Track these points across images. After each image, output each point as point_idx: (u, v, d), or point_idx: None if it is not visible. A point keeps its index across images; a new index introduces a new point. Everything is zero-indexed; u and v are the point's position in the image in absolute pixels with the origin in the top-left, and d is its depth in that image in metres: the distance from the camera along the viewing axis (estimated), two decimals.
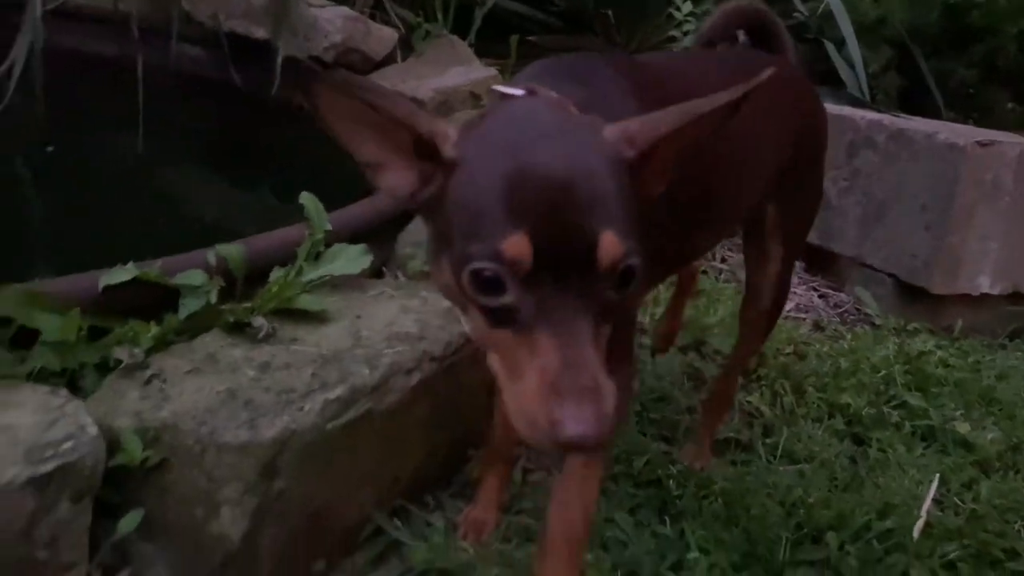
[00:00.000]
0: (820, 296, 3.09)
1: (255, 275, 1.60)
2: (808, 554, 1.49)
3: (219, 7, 3.25)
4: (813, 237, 3.19)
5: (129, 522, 1.17)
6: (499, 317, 0.83)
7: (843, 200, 3.13)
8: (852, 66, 3.99)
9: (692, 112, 0.91)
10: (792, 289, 3.05)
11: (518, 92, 1.00)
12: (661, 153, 0.92)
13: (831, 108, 3.27)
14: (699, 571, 1.38)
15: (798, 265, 3.16)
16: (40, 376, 1.27)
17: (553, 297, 0.80)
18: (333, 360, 1.40)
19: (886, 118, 3.10)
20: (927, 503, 1.66)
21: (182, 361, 1.36)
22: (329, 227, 1.72)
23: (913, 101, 4.32)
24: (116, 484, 1.18)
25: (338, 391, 1.32)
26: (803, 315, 2.89)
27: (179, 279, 1.48)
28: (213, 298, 1.49)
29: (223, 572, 1.20)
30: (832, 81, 4.07)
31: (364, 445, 1.36)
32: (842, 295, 3.10)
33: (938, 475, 1.75)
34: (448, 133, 0.89)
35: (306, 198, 1.75)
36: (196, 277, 1.49)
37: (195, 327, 1.47)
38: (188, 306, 1.47)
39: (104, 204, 2.41)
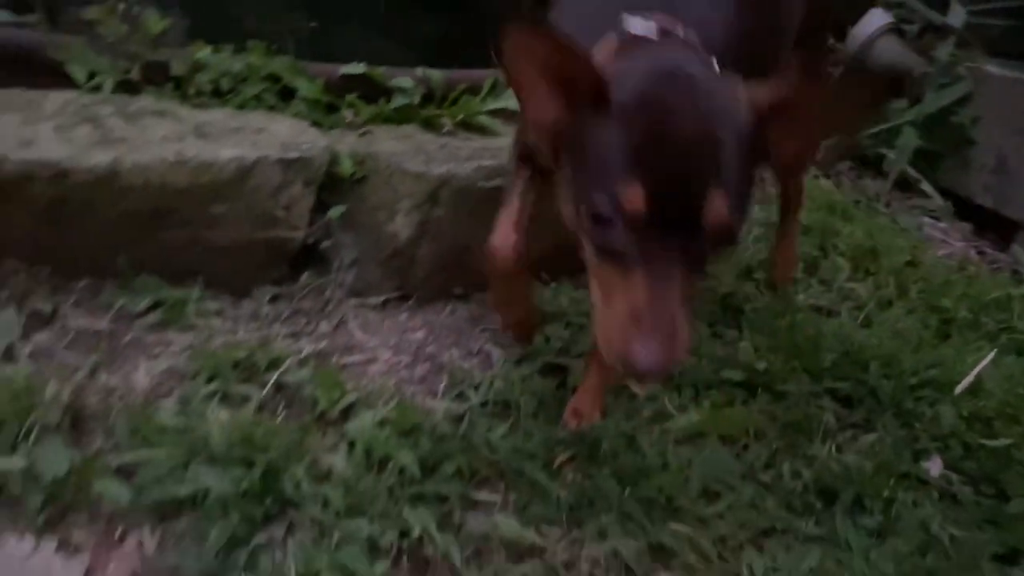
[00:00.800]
0: (978, 253, 3.22)
1: (448, 97, 2.14)
2: (848, 371, 1.82)
3: None
4: (987, 200, 3.32)
5: (335, 211, 1.75)
6: (607, 252, 0.98)
7: (1021, 164, 3.23)
8: None
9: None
10: (949, 242, 3.22)
11: (650, 32, 1.11)
12: (797, 117, 1.00)
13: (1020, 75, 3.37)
14: (744, 353, 1.77)
15: (964, 227, 3.30)
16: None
17: (656, 245, 0.93)
18: (492, 149, 1.91)
19: None
20: (979, 367, 1.91)
21: (387, 132, 1.94)
22: None
23: None
24: (331, 187, 1.76)
25: (490, 163, 1.83)
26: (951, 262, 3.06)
27: (394, 82, 2.06)
28: (416, 100, 2.06)
29: (390, 261, 1.76)
30: None
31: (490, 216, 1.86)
32: (1002, 255, 3.21)
33: (995, 350, 1.99)
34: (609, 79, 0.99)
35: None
36: (406, 82, 2.06)
37: (400, 118, 2.04)
38: (397, 101, 2.04)
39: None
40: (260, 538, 1.18)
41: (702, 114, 0.97)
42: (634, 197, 0.93)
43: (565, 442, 1.47)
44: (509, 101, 2.19)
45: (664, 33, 1.12)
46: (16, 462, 1.17)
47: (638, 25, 1.12)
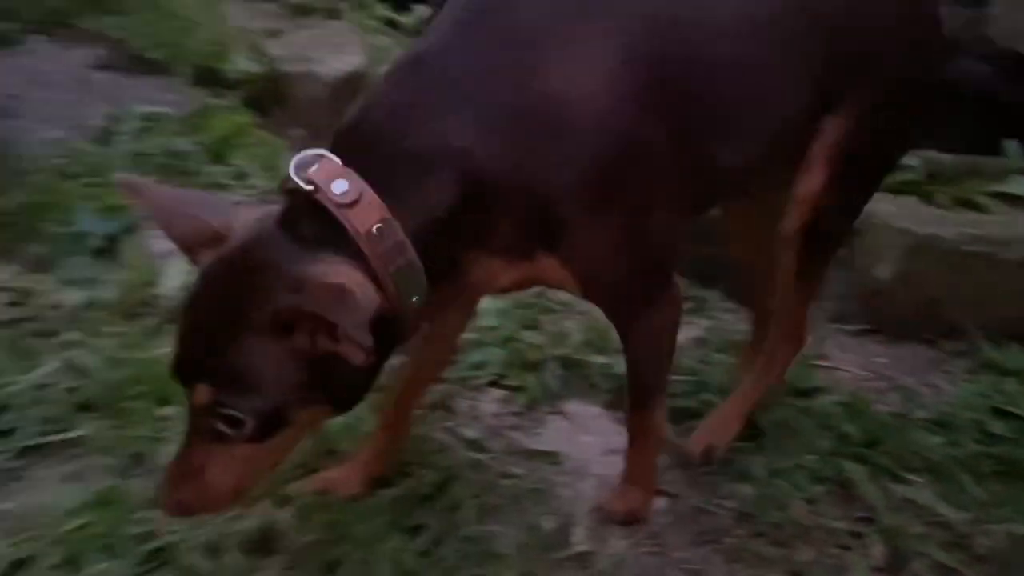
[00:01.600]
0: None
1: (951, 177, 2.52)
2: None
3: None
4: None
5: None
6: None
7: None
8: None
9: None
10: None
11: (303, 185, 1.11)
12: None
13: None
14: None
15: None
16: None
17: (189, 411, 1.14)
18: (980, 222, 2.27)
19: None
20: None
21: (887, 198, 2.40)
22: None
23: None
24: None
25: (973, 231, 2.21)
26: None
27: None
28: (920, 176, 2.48)
29: (869, 299, 2.24)
30: None
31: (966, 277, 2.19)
32: None
33: None
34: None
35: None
36: (914, 161, 2.50)
37: (901, 189, 2.48)
38: (904, 175, 2.49)
39: None
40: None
41: (206, 305, 1.11)
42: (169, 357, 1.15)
43: (994, 458, 1.79)
44: (1012, 186, 2.50)
45: (309, 183, 1.11)
46: (599, 360, 1.96)
47: (298, 171, 1.13)
